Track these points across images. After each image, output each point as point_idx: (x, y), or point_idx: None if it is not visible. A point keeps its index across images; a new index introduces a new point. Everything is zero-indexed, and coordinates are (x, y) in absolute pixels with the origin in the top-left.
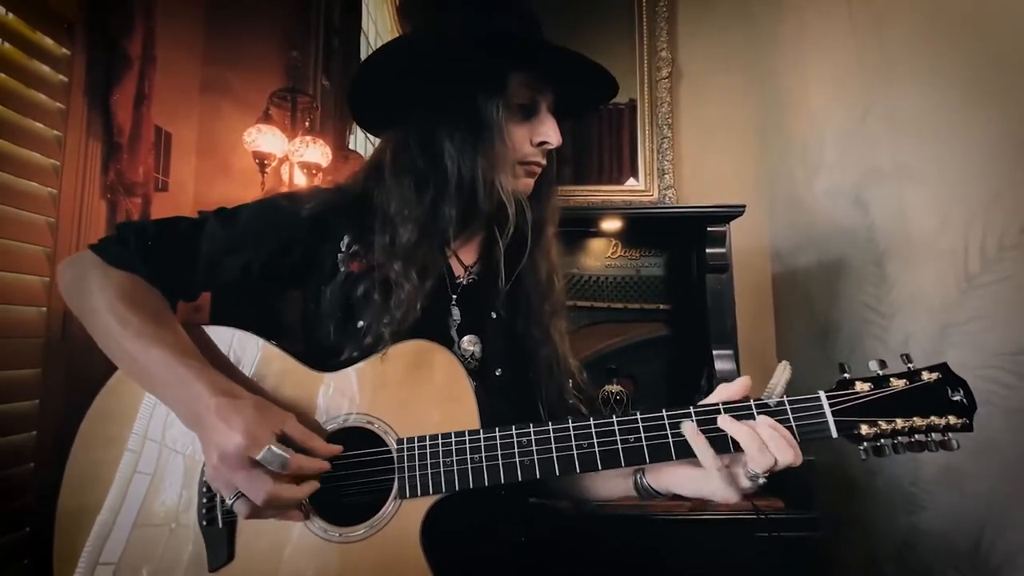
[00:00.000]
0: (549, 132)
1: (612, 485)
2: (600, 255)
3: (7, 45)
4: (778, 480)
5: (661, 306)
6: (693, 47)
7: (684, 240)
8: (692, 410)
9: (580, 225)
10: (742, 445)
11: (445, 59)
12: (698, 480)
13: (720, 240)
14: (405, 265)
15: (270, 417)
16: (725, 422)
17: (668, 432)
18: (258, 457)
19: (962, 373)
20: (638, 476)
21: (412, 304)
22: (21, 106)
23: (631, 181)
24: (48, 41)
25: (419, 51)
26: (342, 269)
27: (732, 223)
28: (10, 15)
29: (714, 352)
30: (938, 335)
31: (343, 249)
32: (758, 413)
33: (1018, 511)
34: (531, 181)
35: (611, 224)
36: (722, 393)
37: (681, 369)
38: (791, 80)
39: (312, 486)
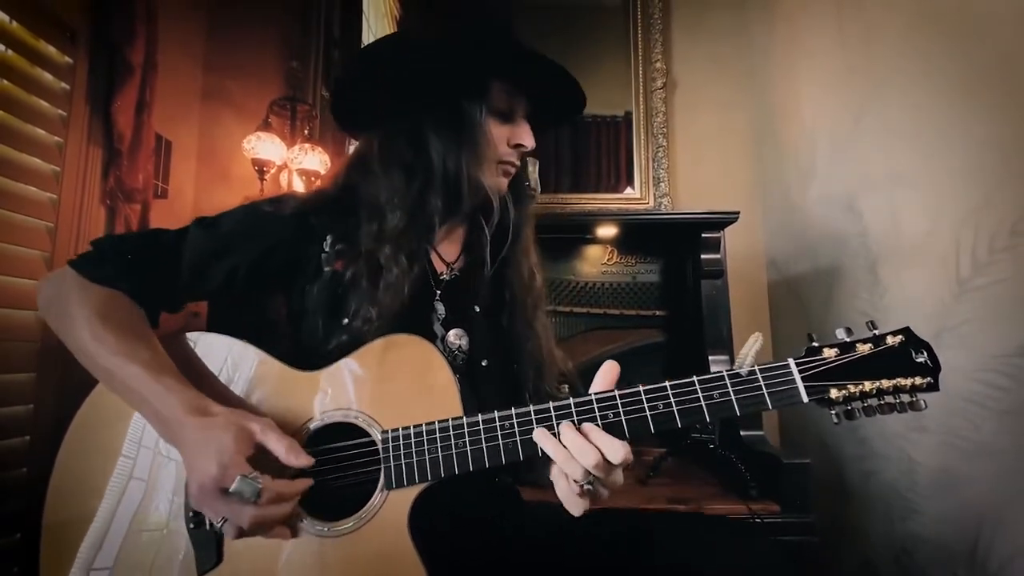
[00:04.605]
0: (524, 136)
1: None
2: (596, 262)
3: (10, 52)
4: (774, 484)
5: (657, 312)
6: (687, 58)
7: (679, 246)
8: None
9: (577, 232)
10: (550, 455)
11: (432, 61)
12: (560, 487)
13: (715, 246)
14: (394, 248)
15: (242, 436)
16: (538, 435)
17: (646, 409)
18: (231, 490)
19: (956, 377)
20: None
21: (400, 288)
22: (23, 112)
23: (628, 190)
24: (51, 49)
25: (407, 51)
26: (327, 268)
27: (727, 230)
28: (14, 23)
29: (710, 357)
30: (931, 339)
31: (326, 249)
32: (578, 418)
33: (1015, 513)
34: (506, 181)
35: (607, 231)
36: (598, 381)
37: (677, 374)
38: (784, 89)
39: (291, 505)
